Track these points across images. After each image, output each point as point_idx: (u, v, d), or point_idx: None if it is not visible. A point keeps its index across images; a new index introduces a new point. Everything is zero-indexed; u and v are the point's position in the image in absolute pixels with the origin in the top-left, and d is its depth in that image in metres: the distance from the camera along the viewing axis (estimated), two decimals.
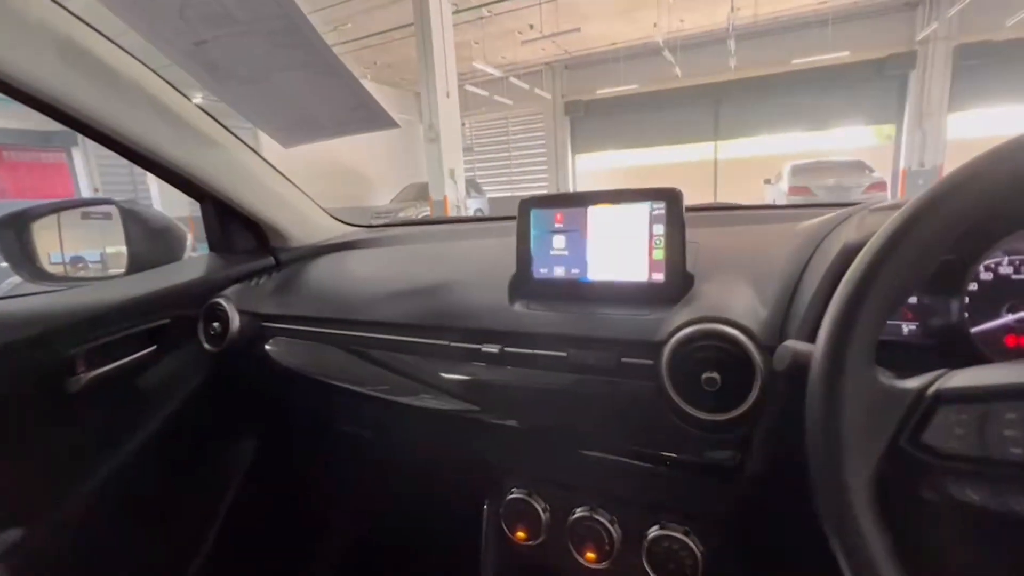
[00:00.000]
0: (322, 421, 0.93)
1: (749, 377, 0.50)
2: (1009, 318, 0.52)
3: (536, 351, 0.63)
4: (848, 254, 0.53)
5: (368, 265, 0.95)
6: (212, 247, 1.03)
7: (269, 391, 0.97)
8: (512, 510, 0.67)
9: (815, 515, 0.34)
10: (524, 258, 0.70)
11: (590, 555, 0.62)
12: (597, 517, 0.61)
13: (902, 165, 9.09)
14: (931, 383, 0.32)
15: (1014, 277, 0.53)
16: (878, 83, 9.93)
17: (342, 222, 1.21)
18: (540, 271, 0.70)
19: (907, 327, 0.57)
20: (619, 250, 0.65)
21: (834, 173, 7.53)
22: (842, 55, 8.82)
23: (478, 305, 0.71)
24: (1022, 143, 0.30)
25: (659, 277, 0.63)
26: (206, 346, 0.88)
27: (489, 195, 11.77)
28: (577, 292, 0.68)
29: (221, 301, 0.88)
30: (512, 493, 0.67)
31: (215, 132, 0.90)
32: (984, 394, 0.30)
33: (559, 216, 0.68)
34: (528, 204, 0.70)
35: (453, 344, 0.69)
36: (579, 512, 0.63)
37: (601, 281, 0.66)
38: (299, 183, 1.11)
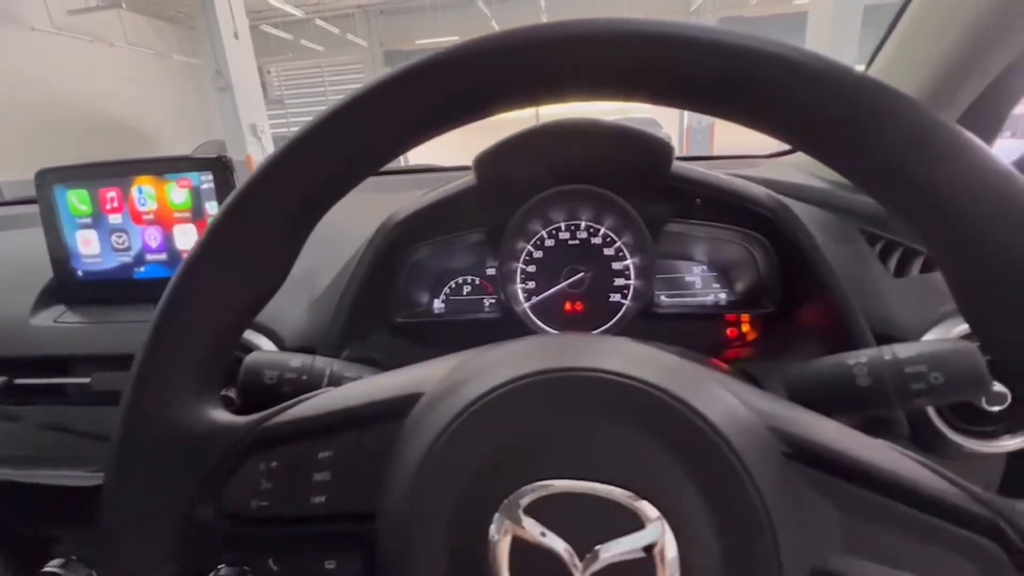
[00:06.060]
0: None
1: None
2: (563, 284, 0.52)
3: (59, 380, 0.48)
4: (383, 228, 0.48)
5: None
6: None
7: None
8: None
9: None
10: (58, 252, 0.53)
11: None
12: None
13: (686, 123, 10.43)
14: (266, 419, 0.25)
15: (571, 242, 0.52)
16: None
17: None
18: (85, 268, 0.53)
19: (488, 301, 0.55)
20: (175, 234, 0.51)
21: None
22: None
23: None
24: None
25: None
26: None
27: None
28: (133, 293, 0.53)
29: None
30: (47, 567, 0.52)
31: None
32: (303, 431, 0.24)
33: (96, 193, 0.51)
34: (48, 177, 0.51)
35: None
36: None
37: (155, 277, 0.52)
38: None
